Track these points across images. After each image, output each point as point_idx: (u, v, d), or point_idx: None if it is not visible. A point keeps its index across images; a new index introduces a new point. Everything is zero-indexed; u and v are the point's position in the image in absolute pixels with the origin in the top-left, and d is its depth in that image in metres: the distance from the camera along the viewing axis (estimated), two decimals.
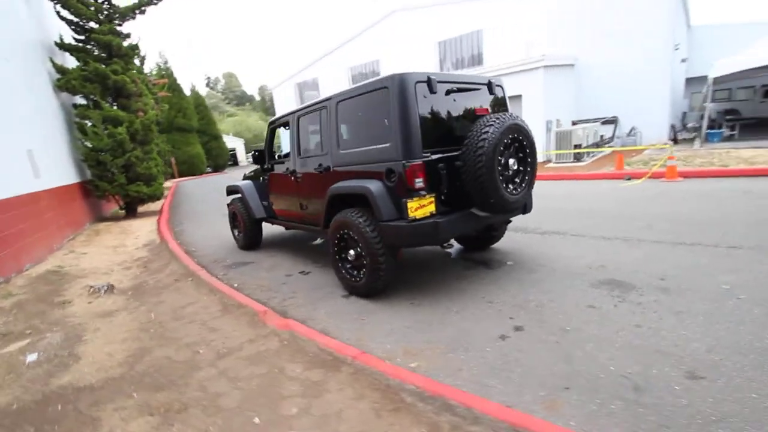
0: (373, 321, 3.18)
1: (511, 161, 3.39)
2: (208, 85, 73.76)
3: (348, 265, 3.78)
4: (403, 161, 3.13)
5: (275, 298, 3.92)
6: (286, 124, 4.98)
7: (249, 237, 5.87)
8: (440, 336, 2.83)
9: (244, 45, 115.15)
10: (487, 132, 3.14)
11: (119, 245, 7.05)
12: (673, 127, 14.85)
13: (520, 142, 3.42)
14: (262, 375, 2.47)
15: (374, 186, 3.32)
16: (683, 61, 17.26)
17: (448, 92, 3.46)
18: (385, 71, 22.19)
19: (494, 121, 3.21)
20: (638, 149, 12.78)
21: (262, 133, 57.87)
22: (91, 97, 8.79)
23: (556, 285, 3.51)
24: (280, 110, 29.26)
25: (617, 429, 1.82)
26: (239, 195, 5.97)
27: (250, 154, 5.37)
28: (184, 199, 14.00)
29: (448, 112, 3.49)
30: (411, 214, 3.13)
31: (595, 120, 15.12)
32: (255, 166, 6.16)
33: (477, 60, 18.65)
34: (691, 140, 13.95)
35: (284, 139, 5.38)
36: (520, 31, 16.45)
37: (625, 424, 1.85)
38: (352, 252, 3.65)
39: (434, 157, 3.26)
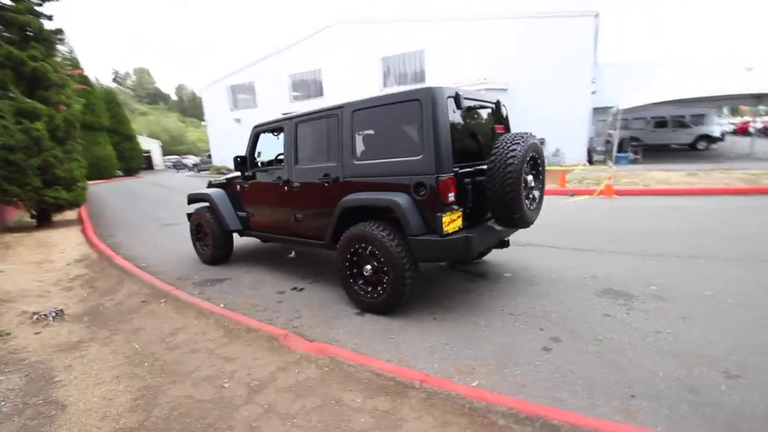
0: (405, 339, 3.06)
1: (529, 178, 3.54)
2: (115, 80, 66.45)
3: (361, 281, 3.60)
4: (437, 175, 3.09)
5: (278, 319, 3.58)
6: (277, 130, 4.65)
7: (218, 250, 5.32)
8: (483, 352, 2.80)
9: (159, 41, 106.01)
10: (515, 149, 3.24)
11: (44, 261, 5.92)
12: (589, 150, 16.82)
13: (535, 159, 3.59)
14: (319, 408, 2.22)
15: (402, 199, 3.23)
16: (593, 93, 19.77)
17: (469, 109, 3.52)
18: (328, 81, 22.04)
19: (520, 139, 3.32)
20: (567, 168, 14.23)
21: (181, 136, 53.50)
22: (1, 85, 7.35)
23: (564, 296, 3.70)
24: (210, 112, 27.36)
25: (700, 431, 1.95)
26: (206, 204, 5.41)
27: (233, 158, 4.79)
28: (104, 206, 12.33)
29: (468, 128, 3.54)
30: (445, 229, 3.10)
31: None
32: (212, 173, 5.63)
33: (420, 77, 19.37)
34: (603, 161, 15.93)
35: (267, 145, 5.01)
36: (461, 54, 17.47)
37: (704, 424, 1.99)
38: (368, 267, 3.49)
39: (462, 171, 3.28)
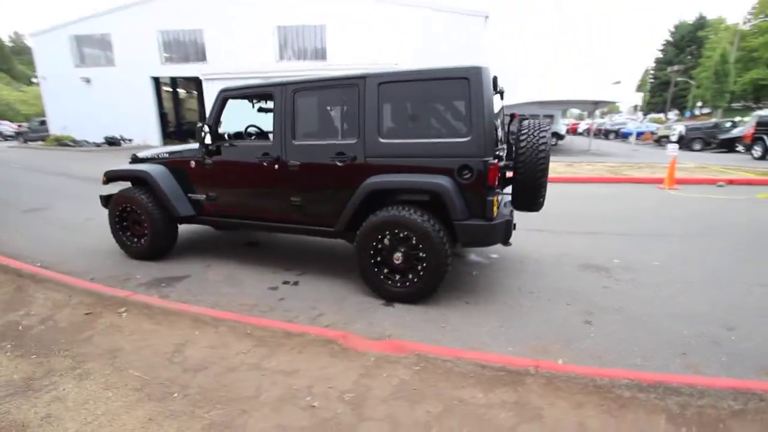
0: (457, 327, 2.97)
1: None
2: None
3: (386, 270, 3.35)
4: (486, 159, 3.03)
5: (298, 318, 3.10)
6: (258, 97, 3.90)
7: (159, 242, 4.28)
8: (539, 331, 2.91)
9: None
10: (545, 135, 3.37)
11: None
12: None
13: None
14: (448, 413, 2.01)
15: (447, 182, 3.08)
16: None
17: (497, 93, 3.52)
18: (212, 45, 19.44)
19: (545, 125, 3.48)
20: None
21: None
22: None
23: (557, 272, 4.08)
24: (45, 67, 21.47)
25: (753, 372, 2.39)
26: (142, 184, 4.28)
27: (196, 128, 3.90)
28: None
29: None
30: (494, 213, 3.08)
31: None
32: (151, 146, 4.51)
33: (321, 54, 18.57)
34: None
35: (236, 114, 4.19)
36: (365, 35, 17.31)
37: (748, 364, 2.45)
38: (398, 255, 3.26)
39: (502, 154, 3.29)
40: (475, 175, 3.06)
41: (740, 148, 18.27)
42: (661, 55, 55.73)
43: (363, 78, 3.30)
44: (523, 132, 3.40)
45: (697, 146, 20.45)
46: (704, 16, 54.05)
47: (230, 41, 18.98)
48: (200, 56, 19.98)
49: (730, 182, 8.96)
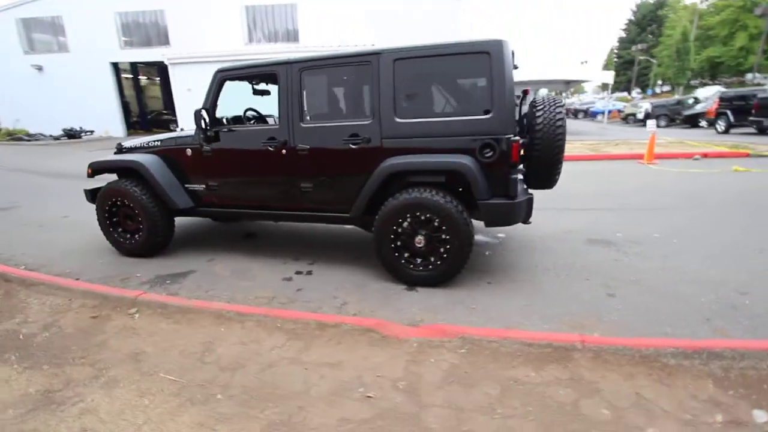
0: (486, 307, 2.95)
1: None
2: None
3: (406, 254, 3.28)
4: (508, 136, 2.97)
5: (322, 309, 2.99)
6: (260, 78, 3.67)
7: (156, 237, 4.02)
8: (568, 307, 2.92)
9: None
10: (561, 110, 3.34)
11: None
12: None
13: None
14: (506, 393, 1.98)
15: (470, 161, 3.01)
16: None
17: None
18: (175, 27, 18.36)
19: (559, 101, 3.44)
20: None
21: None
22: None
23: (565, 248, 4.13)
24: None
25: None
26: (133, 176, 3.99)
27: (195, 112, 3.50)
28: None
29: None
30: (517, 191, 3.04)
31: None
32: (114, 137, 4.21)
33: (293, 36, 17.90)
34: None
35: (238, 98, 3.94)
36: (340, 14, 16.79)
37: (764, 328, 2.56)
38: (419, 238, 3.18)
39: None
40: (498, 153, 3.00)
41: (703, 123, 19.20)
42: (624, 35, 57.31)
43: (377, 54, 3.15)
44: (538, 108, 3.36)
45: (663, 122, 21.28)
46: None
47: (195, 23, 17.97)
48: (162, 39, 18.85)
49: (705, 155, 9.37)
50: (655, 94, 46.63)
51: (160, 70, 25.68)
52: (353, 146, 3.27)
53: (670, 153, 9.68)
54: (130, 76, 23.33)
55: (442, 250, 3.17)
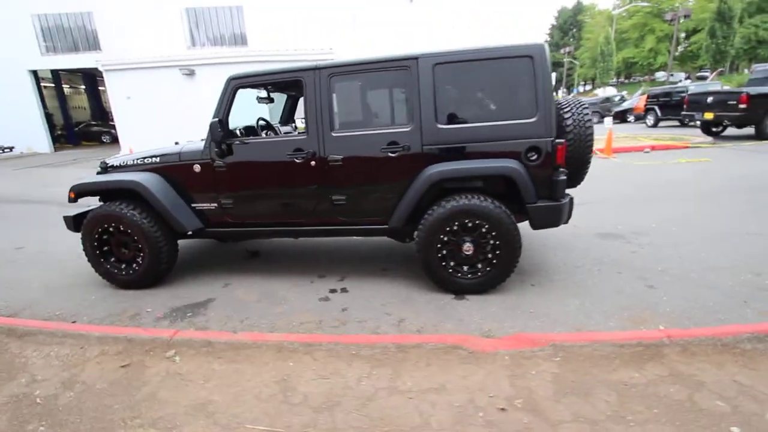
0: (544, 310, 2.95)
1: None
2: None
3: (452, 262, 3.19)
4: (553, 138, 3.00)
5: (380, 328, 2.82)
6: (285, 86, 3.40)
7: (159, 265, 3.57)
8: (618, 301, 3.01)
9: None
10: (587, 111, 3.44)
11: None
12: None
13: None
14: (623, 399, 1.97)
15: (518, 166, 3.00)
16: None
17: None
18: (105, 31, 16.76)
19: (582, 101, 3.54)
20: None
21: None
22: None
23: (581, 244, 4.28)
24: None
25: None
26: (129, 197, 3.51)
27: (211, 124, 3.12)
28: None
29: None
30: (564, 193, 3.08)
31: None
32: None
33: (240, 39, 17.07)
34: None
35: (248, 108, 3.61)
36: (290, 18, 16.29)
37: None
38: (467, 245, 3.12)
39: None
40: (543, 156, 3.02)
41: (631, 118, 21.16)
42: (549, 38, 61.73)
43: (415, 59, 3.03)
44: (565, 110, 3.44)
45: (595, 119, 23.13)
46: (581, 1, 60.95)
47: (130, 26, 16.53)
48: (92, 44, 17.12)
49: (653, 148, 10.29)
50: (579, 93, 50.77)
51: (85, 77, 23.40)
52: (392, 155, 3.13)
53: (624, 147, 10.51)
54: (52, 84, 20.92)
55: (490, 256, 3.13)
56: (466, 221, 3.06)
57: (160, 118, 14.63)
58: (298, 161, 3.26)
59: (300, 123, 4.99)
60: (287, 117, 4.80)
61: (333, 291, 3.45)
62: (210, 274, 3.91)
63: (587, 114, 3.43)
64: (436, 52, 3.04)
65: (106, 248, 3.63)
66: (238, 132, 3.61)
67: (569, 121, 3.38)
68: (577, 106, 3.45)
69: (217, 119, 3.19)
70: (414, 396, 2.04)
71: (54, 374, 2.42)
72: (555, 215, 3.11)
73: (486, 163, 3.02)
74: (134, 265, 3.60)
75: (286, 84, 3.56)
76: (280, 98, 4.59)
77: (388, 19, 16.70)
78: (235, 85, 3.33)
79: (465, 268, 3.20)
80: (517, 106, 3.03)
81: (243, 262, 4.27)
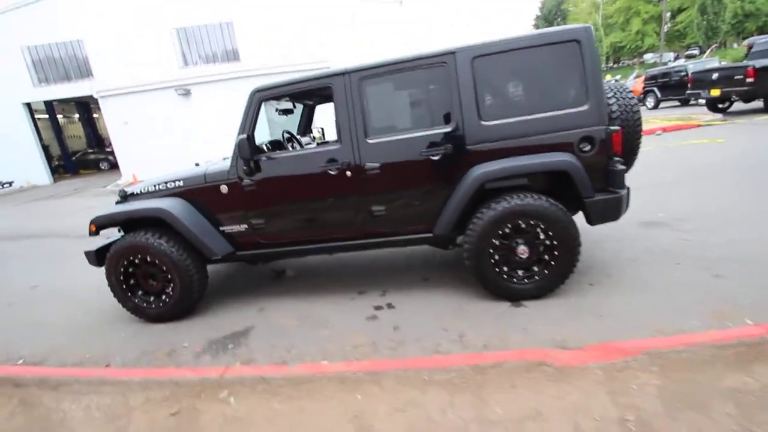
0: (613, 311, 2.74)
1: None
2: None
3: (506, 268, 2.98)
4: (607, 126, 2.81)
5: (441, 347, 2.60)
6: (312, 94, 3.20)
7: (191, 294, 3.36)
8: (689, 297, 2.77)
9: None
10: (632, 95, 3.25)
11: None
12: None
13: None
14: (743, 410, 1.75)
15: (571, 158, 2.79)
16: None
17: None
18: (98, 58, 16.61)
19: (625, 85, 3.35)
20: None
21: None
22: None
23: (626, 234, 4.07)
24: None
25: None
26: (155, 225, 3.31)
27: (239, 142, 2.87)
28: None
29: None
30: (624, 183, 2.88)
31: None
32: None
33: (233, 55, 16.93)
34: None
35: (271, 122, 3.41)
36: (283, 30, 16.16)
37: None
38: (523, 248, 2.91)
39: None
40: (597, 145, 2.82)
41: None
42: (535, 29, 61.66)
43: (451, 54, 2.84)
44: (608, 95, 3.24)
45: None
46: None
47: (121, 51, 16.37)
48: (84, 72, 16.95)
49: (664, 130, 10.11)
50: None
51: (79, 106, 23.25)
52: (434, 158, 2.93)
53: None
54: (46, 116, 20.76)
55: (547, 257, 2.92)
56: (521, 222, 2.85)
57: (159, 141, 14.44)
58: (332, 173, 3.06)
59: (316, 133, 4.82)
60: (304, 127, 4.60)
61: (378, 308, 3.24)
62: (241, 300, 3.70)
63: (633, 98, 3.25)
64: (474, 44, 2.85)
65: (132, 281, 3.41)
66: (264, 147, 3.41)
67: (614, 107, 3.20)
68: (621, 90, 3.26)
69: (244, 136, 2.98)
70: (511, 426, 1.82)
71: (98, 429, 2.20)
72: (614, 208, 2.90)
73: (538, 159, 2.81)
74: (164, 297, 3.39)
75: (315, 92, 3.35)
76: (295, 109, 4.41)
77: (384, 20, 16.57)
78: (260, 97, 3.13)
79: (520, 272, 2.99)
80: (565, 94, 2.83)
81: (272, 283, 4.06)
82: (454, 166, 2.93)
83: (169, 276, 3.31)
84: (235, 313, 3.45)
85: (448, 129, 2.91)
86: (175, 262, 3.24)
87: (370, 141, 3.00)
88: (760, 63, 10.48)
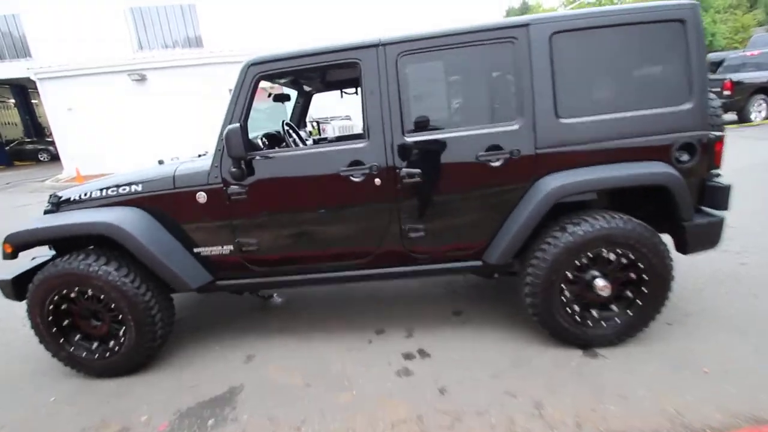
0: (717, 363, 2.16)
1: None
2: None
3: (577, 307, 2.33)
4: (712, 131, 2.22)
5: (516, 425, 1.90)
6: (329, 72, 2.42)
7: (152, 341, 2.45)
8: None
9: None
10: (713, 96, 2.71)
11: None
12: None
13: None
14: None
15: (669, 169, 2.18)
16: None
17: None
18: (36, 35, 14.64)
19: None
20: None
21: None
22: None
23: (676, 256, 3.55)
24: None
25: None
26: (100, 244, 2.39)
27: (228, 133, 2.05)
28: None
29: None
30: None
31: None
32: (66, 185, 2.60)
33: (195, 41, 15.50)
34: None
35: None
36: (251, 15, 14.95)
37: None
38: (603, 283, 2.25)
39: None
40: (698, 155, 2.23)
41: None
42: None
43: (524, 26, 2.14)
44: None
45: None
46: (526, 1, 62.74)
47: (66, 29, 14.50)
48: (21, 51, 14.90)
49: None
50: None
51: (15, 90, 20.69)
52: (493, 163, 2.22)
53: None
54: None
55: (631, 294, 2.30)
56: (605, 251, 2.21)
57: (109, 131, 12.89)
58: (355, 179, 2.28)
59: (311, 127, 3.99)
60: (298, 120, 3.76)
61: (409, 356, 2.48)
62: (221, 342, 2.82)
63: (714, 99, 2.70)
64: (552, 15, 2.17)
65: (67, 321, 2.46)
66: (259, 142, 2.57)
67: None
68: None
69: (236, 125, 2.13)
70: None
71: None
72: (715, 233, 2.32)
73: (631, 170, 2.17)
74: (113, 344, 2.46)
75: (333, 69, 2.54)
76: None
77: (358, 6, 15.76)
78: (256, 73, 2.28)
79: (594, 312, 2.35)
80: (663, 88, 2.21)
81: (259, 315, 3.20)
82: (518, 175, 2.25)
83: (119, 316, 2.39)
84: (214, 364, 2.58)
85: (513, 127, 2.21)
86: (128, 298, 2.33)
87: (408, 139, 2.25)
88: (737, 76, 10.70)
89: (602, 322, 2.34)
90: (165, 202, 2.44)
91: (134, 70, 13.23)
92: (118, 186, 2.49)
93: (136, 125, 12.99)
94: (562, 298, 2.29)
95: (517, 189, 2.26)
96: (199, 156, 2.85)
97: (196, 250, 2.49)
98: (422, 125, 2.27)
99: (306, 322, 2.99)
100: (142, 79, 13.36)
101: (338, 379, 2.33)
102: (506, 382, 2.18)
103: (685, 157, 2.24)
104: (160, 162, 2.87)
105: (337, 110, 11.48)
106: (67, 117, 13.15)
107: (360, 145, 2.30)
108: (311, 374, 2.39)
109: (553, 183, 2.18)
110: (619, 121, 2.19)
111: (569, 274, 2.26)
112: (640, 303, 2.29)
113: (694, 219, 2.25)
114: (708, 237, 2.31)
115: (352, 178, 2.29)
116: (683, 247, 2.34)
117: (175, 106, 12.73)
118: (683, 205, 2.18)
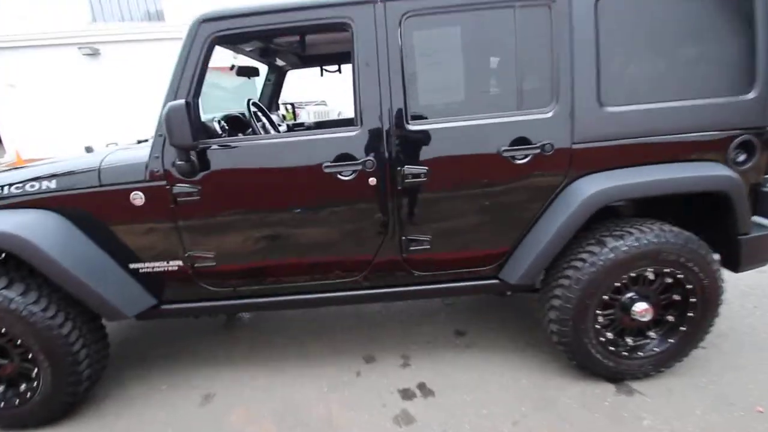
0: (763, 395, 1.83)
1: None
2: None
3: (609, 334, 1.93)
4: None
5: None
6: (296, 44, 1.91)
7: (75, 384, 1.87)
8: None
9: None
10: None
11: None
12: None
13: None
14: None
15: (729, 172, 1.79)
16: None
17: None
18: None
19: None
20: None
21: None
22: None
23: None
24: None
25: None
26: (9, 261, 1.79)
27: (169, 111, 1.49)
28: None
29: None
30: None
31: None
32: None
33: (156, 14, 14.14)
34: None
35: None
36: None
37: None
38: (643, 306, 1.85)
39: None
40: (758, 155, 1.85)
41: None
42: None
43: None
44: None
45: None
46: None
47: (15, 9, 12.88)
48: None
49: None
50: None
51: None
52: (520, 161, 1.76)
53: None
54: None
55: (673, 320, 1.92)
56: (650, 269, 1.81)
57: (57, 111, 11.68)
58: (344, 178, 1.77)
59: (284, 110, 3.40)
60: (269, 100, 3.17)
61: (408, 395, 2.02)
62: (169, 375, 2.26)
63: None
64: None
65: None
66: (216, 126, 2.00)
67: None
68: None
69: (181, 102, 1.56)
70: None
71: None
72: None
73: (687, 173, 1.76)
74: (23, 388, 1.87)
75: (303, 35, 1.98)
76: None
77: None
78: (210, 33, 1.70)
79: (630, 340, 1.97)
80: (721, 73, 1.81)
81: (221, 339, 2.64)
82: (549, 175, 1.80)
83: (29, 354, 1.80)
84: (160, 407, 2.03)
85: (545, 115, 1.75)
86: (37, 331, 1.74)
87: (412, 127, 1.75)
88: None
89: (638, 351, 1.96)
90: (89, 203, 1.84)
91: (86, 43, 12.01)
92: (23, 183, 1.86)
93: (88, 105, 11.83)
94: (596, 325, 1.89)
95: (546, 192, 1.82)
96: (139, 142, 2.24)
97: (132, 266, 1.91)
98: (430, 109, 1.77)
99: (279, 348, 2.46)
100: (95, 53, 12.15)
101: (318, 424, 1.85)
102: (531, 426, 1.76)
103: (742, 157, 1.85)
104: (88, 150, 2.25)
105: (309, 94, 10.67)
106: (9, 93, 11.82)
107: (350, 134, 1.77)
108: (286, 423, 1.89)
109: (594, 186, 1.74)
110: (673, 112, 1.77)
111: (606, 297, 1.85)
112: (684, 329, 1.92)
113: (750, 232, 1.89)
114: (762, 252, 1.95)
115: (339, 177, 1.77)
116: (734, 265, 1.97)
117: (132, 84, 11.65)
118: (742, 215, 1.81)
